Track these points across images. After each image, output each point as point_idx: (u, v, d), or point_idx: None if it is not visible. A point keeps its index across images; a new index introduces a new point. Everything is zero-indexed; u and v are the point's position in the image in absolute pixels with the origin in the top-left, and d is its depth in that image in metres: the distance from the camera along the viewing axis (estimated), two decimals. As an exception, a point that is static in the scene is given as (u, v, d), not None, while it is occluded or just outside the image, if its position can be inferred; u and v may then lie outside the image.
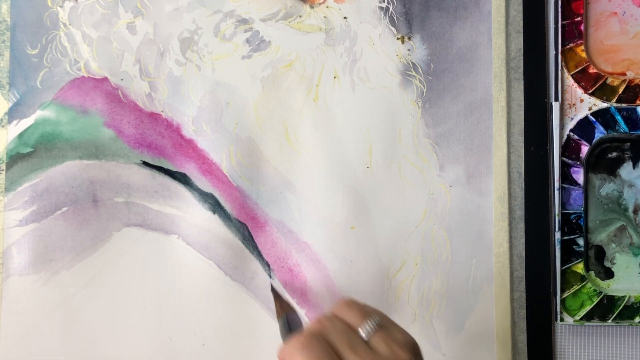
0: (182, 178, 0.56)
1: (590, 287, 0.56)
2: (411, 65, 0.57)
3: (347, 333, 0.41)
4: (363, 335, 0.41)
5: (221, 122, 0.57)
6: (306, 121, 0.57)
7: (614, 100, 0.57)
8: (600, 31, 0.58)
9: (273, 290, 0.56)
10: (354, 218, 0.57)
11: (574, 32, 0.57)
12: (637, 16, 0.58)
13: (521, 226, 0.57)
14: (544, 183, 0.57)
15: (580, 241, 0.57)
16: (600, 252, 0.58)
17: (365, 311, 0.43)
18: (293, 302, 0.56)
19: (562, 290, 0.56)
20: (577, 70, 0.57)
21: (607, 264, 0.58)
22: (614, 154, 0.58)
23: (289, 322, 0.51)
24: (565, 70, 0.57)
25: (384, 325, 0.42)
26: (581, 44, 0.57)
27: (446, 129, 0.57)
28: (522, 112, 0.57)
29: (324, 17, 0.57)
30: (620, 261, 0.58)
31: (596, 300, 0.56)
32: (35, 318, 0.55)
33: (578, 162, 0.57)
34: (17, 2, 0.56)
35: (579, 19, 0.57)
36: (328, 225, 0.57)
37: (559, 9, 0.57)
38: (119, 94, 0.56)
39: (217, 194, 0.56)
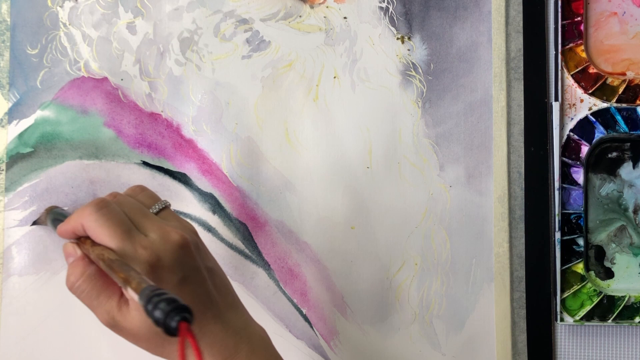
0: (182, 178, 0.56)
1: (590, 287, 0.56)
2: (411, 65, 0.57)
3: (139, 206, 0.45)
4: (152, 210, 0.46)
5: (221, 122, 0.57)
6: (306, 121, 0.57)
7: (614, 100, 0.57)
8: (600, 31, 0.58)
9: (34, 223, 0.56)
10: (354, 218, 0.57)
11: (574, 32, 0.57)
12: (637, 16, 0.58)
13: (521, 226, 0.57)
14: (544, 183, 0.57)
15: (580, 241, 0.57)
16: (600, 252, 0.58)
17: (156, 195, 0.48)
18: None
19: (562, 290, 0.56)
20: (577, 70, 0.57)
21: (607, 264, 0.58)
22: (614, 154, 0.58)
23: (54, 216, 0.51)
24: (565, 70, 0.57)
25: (172, 210, 0.47)
26: (581, 44, 0.57)
27: (446, 129, 0.57)
28: (522, 112, 0.57)
29: (324, 17, 0.57)
30: (620, 261, 0.58)
31: (596, 300, 0.56)
32: (35, 318, 0.55)
33: (578, 162, 0.57)
34: (17, 2, 0.56)
35: (579, 19, 0.57)
36: (328, 225, 0.57)
37: (559, 9, 0.57)
38: (119, 94, 0.56)
39: (217, 194, 0.56)
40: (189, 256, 0.44)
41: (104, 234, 0.42)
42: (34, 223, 0.55)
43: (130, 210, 0.44)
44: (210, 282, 0.45)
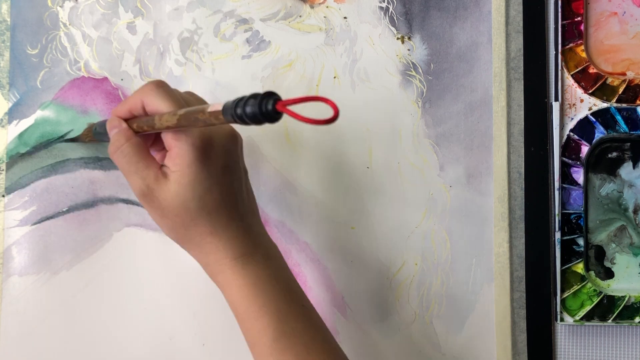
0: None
1: (590, 287, 0.56)
2: (411, 65, 0.57)
3: (194, 100, 0.47)
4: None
5: (221, 122, 0.57)
6: (306, 121, 0.57)
7: (614, 100, 0.57)
8: (600, 31, 0.58)
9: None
10: (354, 218, 0.57)
11: (574, 32, 0.57)
12: (637, 16, 0.58)
13: (521, 226, 0.57)
14: (544, 183, 0.57)
15: (580, 241, 0.57)
16: (600, 252, 0.58)
17: (203, 100, 0.48)
18: None
19: (562, 290, 0.56)
20: (577, 70, 0.57)
21: (607, 264, 0.58)
22: (614, 154, 0.58)
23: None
24: (565, 70, 0.57)
25: None
26: (581, 44, 0.57)
27: (446, 129, 0.57)
28: (522, 112, 0.57)
29: (324, 17, 0.57)
30: (620, 261, 0.58)
31: (596, 300, 0.56)
32: (35, 318, 0.55)
33: (578, 162, 0.57)
34: (17, 2, 0.56)
35: (579, 19, 0.57)
36: (328, 225, 0.57)
37: (559, 9, 0.57)
38: (119, 94, 0.56)
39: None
40: (236, 149, 0.46)
41: (164, 107, 0.43)
42: (73, 140, 0.56)
43: (187, 98, 0.46)
44: (244, 182, 0.47)
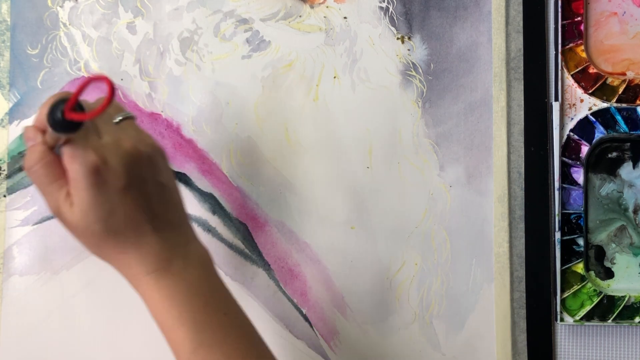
0: (182, 178, 0.56)
1: (590, 287, 0.56)
2: (411, 65, 0.57)
3: (104, 115, 0.45)
4: (115, 120, 0.45)
5: (221, 122, 0.57)
6: (306, 121, 0.57)
7: (614, 100, 0.57)
8: (600, 31, 0.58)
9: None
10: (354, 218, 0.57)
11: (574, 32, 0.57)
12: (637, 16, 0.58)
13: (521, 226, 0.57)
14: (544, 183, 0.57)
15: (580, 241, 0.56)
16: (600, 252, 0.58)
17: (122, 107, 0.47)
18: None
19: (562, 290, 0.56)
20: (577, 70, 0.57)
21: (607, 264, 0.58)
22: (614, 154, 0.58)
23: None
24: (565, 70, 0.57)
25: (136, 123, 0.47)
26: (581, 44, 0.57)
27: (446, 129, 0.57)
28: (522, 112, 0.57)
29: (324, 17, 0.57)
30: (620, 261, 0.58)
31: (596, 300, 0.56)
32: (35, 318, 0.55)
33: (578, 162, 0.57)
34: (17, 2, 0.56)
35: (579, 19, 0.57)
36: (328, 225, 0.57)
37: (559, 9, 0.57)
38: (119, 94, 0.57)
39: (217, 194, 0.57)
40: (138, 166, 0.44)
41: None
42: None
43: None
44: (157, 196, 0.45)
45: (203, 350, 0.44)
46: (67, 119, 0.38)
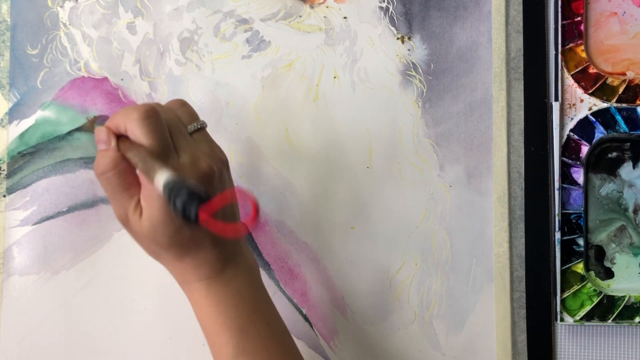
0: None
1: (590, 287, 0.56)
2: (411, 65, 0.57)
3: (178, 122, 0.46)
4: (189, 128, 0.46)
5: (221, 122, 0.57)
6: (306, 121, 0.57)
7: (614, 100, 0.57)
8: (600, 31, 0.58)
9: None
10: (354, 218, 0.57)
11: (574, 32, 0.57)
12: (637, 16, 0.58)
13: (521, 226, 0.57)
14: (544, 183, 0.57)
15: (580, 241, 0.56)
16: (600, 252, 0.58)
17: (195, 113, 0.48)
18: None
19: (562, 290, 0.56)
20: (577, 70, 0.57)
21: (607, 264, 0.58)
22: (614, 154, 0.58)
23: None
24: (565, 70, 0.57)
25: (207, 132, 0.48)
26: (581, 44, 0.57)
27: (446, 129, 0.57)
28: (522, 112, 0.57)
29: (324, 17, 0.57)
30: (620, 261, 0.58)
31: (596, 300, 0.56)
32: (35, 318, 0.55)
33: (578, 162, 0.57)
34: (17, 2, 0.56)
35: (579, 19, 0.57)
36: (328, 225, 0.57)
37: (559, 9, 0.57)
38: (119, 94, 0.57)
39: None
40: (211, 186, 0.45)
41: (144, 141, 0.43)
42: (79, 129, 0.56)
43: (171, 126, 0.45)
44: (220, 210, 0.46)
45: (244, 357, 0.45)
46: (201, 221, 0.38)
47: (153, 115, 0.44)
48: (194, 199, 0.38)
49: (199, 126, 0.47)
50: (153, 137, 0.43)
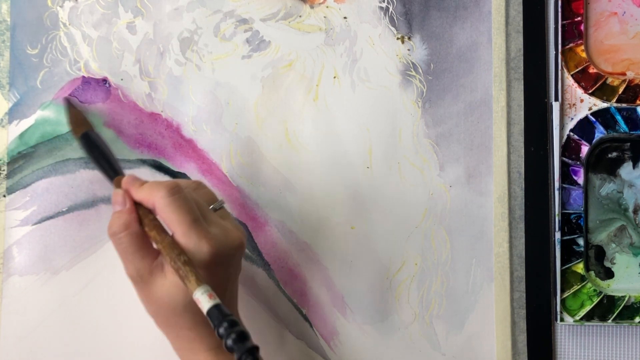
0: (182, 178, 0.56)
1: (590, 287, 0.56)
2: (411, 65, 0.57)
3: (199, 200, 0.47)
4: (212, 207, 0.47)
5: (221, 122, 0.57)
6: (306, 121, 0.57)
7: (614, 100, 0.57)
8: (600, 31, 0.58)
9: (66, 100, 0.55)
10: (354, 218, 0.57)
11: (574, 32, 0.57)
12: (637, 16, 0.58)
13: (521, 226, 0.57)
14: (544, 183, 0.57)
15: (580, 241, 0.56)
16: (600, 252, 0.58)
17: (213, 193, 0.49)
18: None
19: (562, 290, 0.56)
20: (577, 70, 0.57)
21: (607, 264, 0.58)
22: (614, 154, 0.58)
23: (92, 140, 0.52)
24: (565, 70, 0.57)
25: (226, 210, 0.49)
26: (581, 44, 0.57)
27: (446, 129, 0.57)
28: (522, 112, 0.57)
29: (324, 17, 0.57)
30: (620, 261, 0.58)
31: (596, 300, 0.56)
32: (35, 318, 0.55)
33: (578, 162, 0.57)
34: (17, 2, 0.56)
35: (579, 19, 0.57)
36: (328, 225, 0.57)
37: (559, 9, 0.57)
38: (119, 94, 0.57)
39: (217, 194, 0.56)
40: (239, 259, 0.46)
41: (173, 219, 0.43)
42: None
43: (198, 201, 0.46)
44: (234, 286, 0.48)
45: None
46: None
47: (178, 191, 0.44)
48: (249, 352, 0.39)
49: (221, 205, 0.48)
50: (181, 213, 0.43)
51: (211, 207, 0.47)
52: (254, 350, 0.40)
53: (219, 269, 0.44)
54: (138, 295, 0.46)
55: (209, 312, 0.40)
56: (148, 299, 0.45)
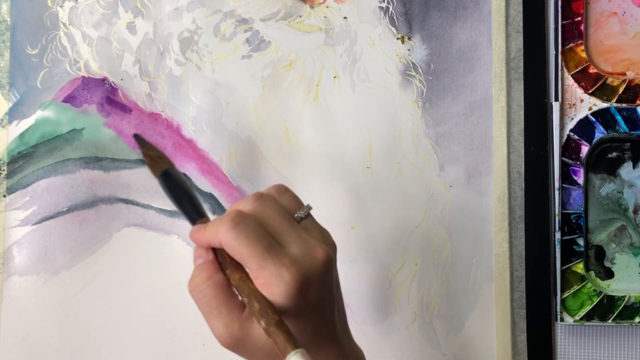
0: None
1: (590, 287, 0.56)
2: (411, 65, 0.57)
3: (282, 212, 0.41)
4: (296, 217, 0.42)
5: (221, 122, 0.57)
6: (306, 121, 0.57)
7: (614, 100, 0.57)
8: (600, 31, 0.58)
9: (137, 137, 0.52)
10: (354, 218, 0.57)
11: (574, 32, 0.57)
12: (637, 16, 0.58)
13: (521, 226, 0.57)
14: (544, 183, 0.57)
15: (580, 241, 0.56)
16: (600, 252, 0.58)
17: (299, 199, 0.43)
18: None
19: (562, 290, 0.56)
20: (577, 70, 0.57)
21: (607, 264, 0.58)
22: (614, 154, 0.58)
23: (172, 179, 0.47)
24: (565, 70, 0.57)
25: (313, 217, 0.43)
26: (581, 44, 0.57)
27: (446, 129, 0.57)
28: (522, 112, 0.57)
29: (324, 17, 0.57)
30: (620, 261, 0.58)
31: (596, 300, 0.56)
32: (35, 318, 0.55)
33: (578, 162, 0.57)
34: (17, 2, 0.56)
35: (579, 19, 0.57)
36: (328, 225, 0.57)
37: (559, 9, 0.57)
38: (119, 94, 0.57)
39: (217, 194, 0.56)
40: (329, 275, 0.41)
41: (243, 253, 0.39)
42: (138, 137, 0.53)
43: (273, 218, 0.41)
44: (337, 302, 0.42)
45: None
46: None
47: (241, 221, 0.39)
48: None
49: (306, 212, 0.42)
50: (249, 244, 0.38)
51: (295, 215, 0.42)
52: None
53: (309, 295, 0.39)
54: (238, 354, 0.41)
55: None
56: (248, 354, 0.40)
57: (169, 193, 0.47)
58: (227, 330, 0.39)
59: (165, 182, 0.47)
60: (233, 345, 0.39)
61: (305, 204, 0.43)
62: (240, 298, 0.40)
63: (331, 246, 0.42)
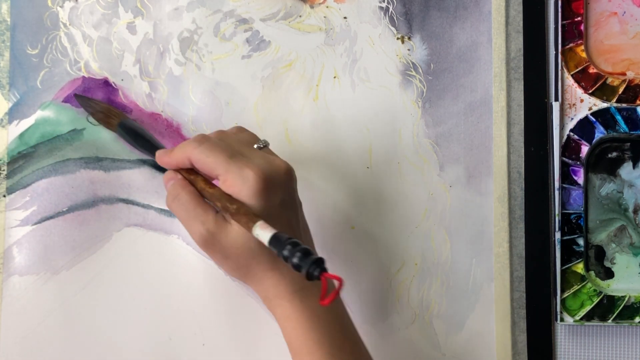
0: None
1: (590, 287, 0.56)
2: (411, 65, 0.57)
3: (242, 140, 0.48)
4: (256, 147, 0.48)
5: (221, 122, 0.57)
6: (306, 121, 0.57)
7: (614, 100, 0.57)
8: (600, 31, 0.58)
9: (78, 96, 0.56)
10: (354, 218, 0.57)
11: (574, 32, 0.57)
12: (637, 16, 0.58)
13: (521, 226, 0.57)
14: (544, 183, 0.57)
15: (580, 241, 0.56)
16: (600, 252, 0.58)
17: (256, 136, 0.50)
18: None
19: (562, 290, 0.56)
20: (577, 70, 0.57)
21: (607, 264, 0.58)
22: (614, 154, 0.58)
23: (128, 127, 0.53)
24: (565, 70, 0.57)
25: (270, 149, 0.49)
26: (581, 44, 0.57)
27: (446, 129, 0.57)
28: (522, 112, 0.57)
29: (324, 17, 0.57)
30: (620, 261, 0.58)
31: (596, 300, 0.56)
32: (35, 318, 0.55)
33: (578, 162, 0.57)
34: (17, 2, 0.56)
35: (579, 19, 0.57)
36: (328, 225, 0.57)
37: (559, 9, 0.57)
38: (119, 94, 0.57)
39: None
40: (290, 183, 0.46)
41: (209, 162, 0.44)
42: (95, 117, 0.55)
43: (234, 143, 0.47)
44: (300, 215, 0.48)
45: None
46: (322, 278, 0.40)
47: (206, 140, 0.45)
48: (315, 263, 0.39)
49: (264, 144, 0.49)
50: (215, 154, 0.44)
51: (255, 146, 0.48)
52: (320, 261, 0.39)
53: (272, 195, 0.44)
54: (213, 257, 0.46)
55: (270, 242, 0.40)
56: (223, 253, 0.45)
57: (130, 140, 0.52)
58: (203, 227, 0.44)
59: (124, 131, 0.53)
60: (210, 241, 0.44)
61: (263, 139, 0.49)
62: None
63: (289, 164, 0.47)
